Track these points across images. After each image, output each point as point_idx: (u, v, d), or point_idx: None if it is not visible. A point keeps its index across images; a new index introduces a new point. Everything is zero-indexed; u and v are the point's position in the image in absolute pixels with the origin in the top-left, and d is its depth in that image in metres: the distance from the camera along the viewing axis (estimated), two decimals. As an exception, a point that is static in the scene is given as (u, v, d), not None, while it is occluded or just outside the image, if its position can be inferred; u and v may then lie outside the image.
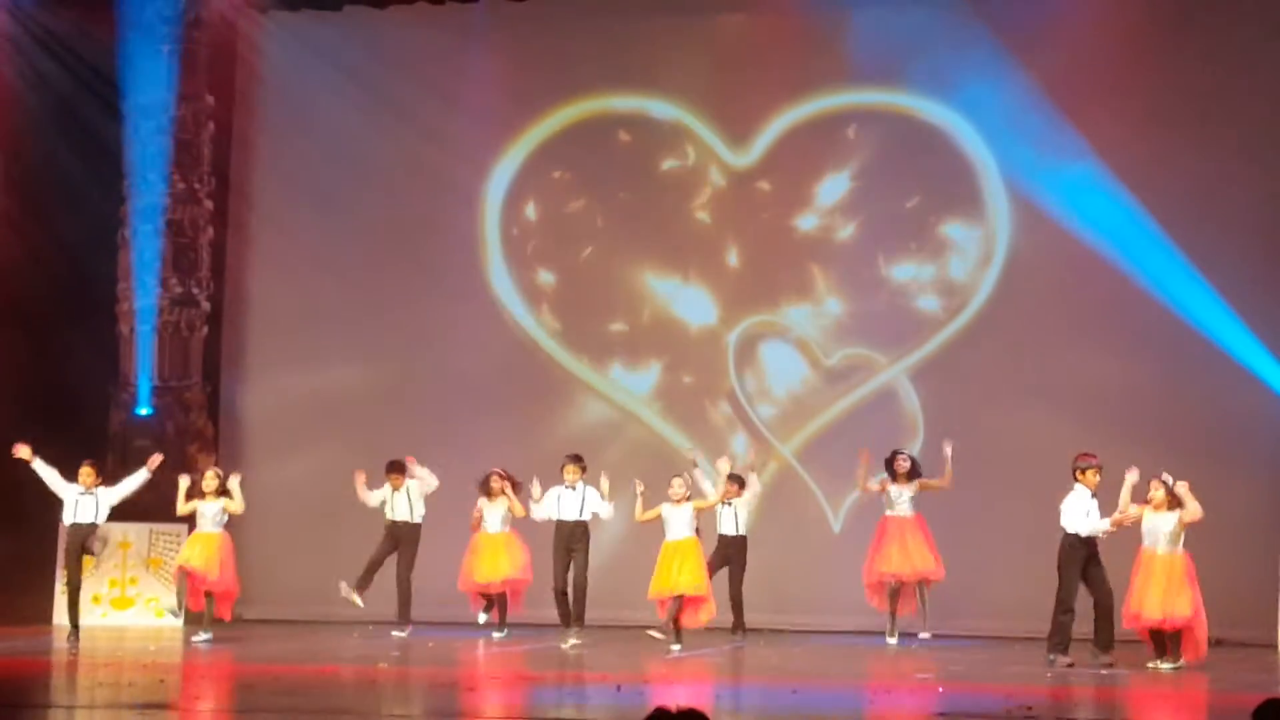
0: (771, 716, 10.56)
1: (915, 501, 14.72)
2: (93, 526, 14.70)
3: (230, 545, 14.85)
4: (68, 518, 14.72)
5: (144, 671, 12.26)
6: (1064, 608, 12.96)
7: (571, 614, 14.41)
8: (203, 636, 14.42)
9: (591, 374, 17.07)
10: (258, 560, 16.72)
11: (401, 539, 15.15)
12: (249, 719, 9.96)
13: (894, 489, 14.74)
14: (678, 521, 14.19)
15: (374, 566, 15.13)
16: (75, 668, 13.03)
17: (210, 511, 14.76)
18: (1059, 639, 12.94)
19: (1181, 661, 12.71)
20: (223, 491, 14.82)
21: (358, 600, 15.04)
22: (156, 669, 12.42)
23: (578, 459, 14.62)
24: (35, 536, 15.60)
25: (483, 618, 15.09)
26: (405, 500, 15.15)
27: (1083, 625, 13.13)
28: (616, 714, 10.15)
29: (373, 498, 15.24)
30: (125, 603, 15.83)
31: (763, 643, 14.60)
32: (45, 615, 15.97)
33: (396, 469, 15.17)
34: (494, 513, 14.98)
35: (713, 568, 14.70)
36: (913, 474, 14.74)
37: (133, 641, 14.59)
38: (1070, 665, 12.81)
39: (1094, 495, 13.00)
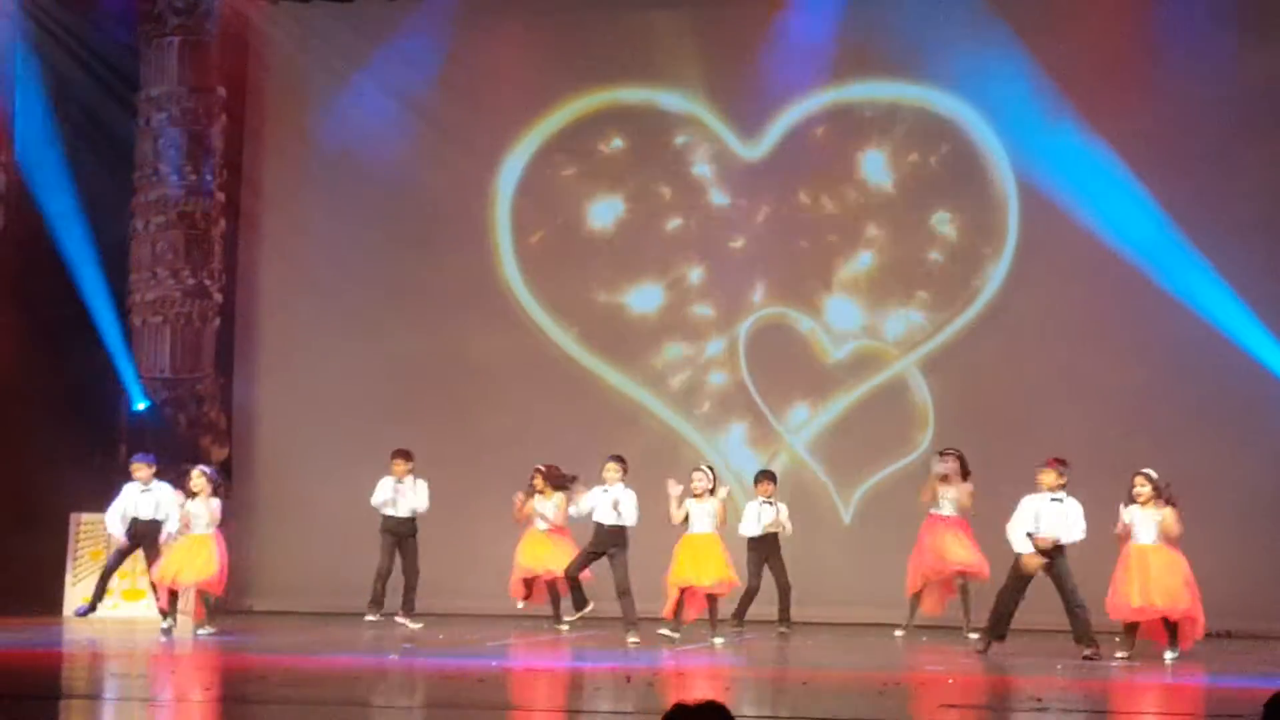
0: (782, 708, 10.56)
1: (957, 504, 14.41)
2: (153, 523, 14.57)
3: (224, 547, 14.45)
4: (129, 513, 14.60)
5: (154, 663, 12.30)
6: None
7: (624, 618, 13.83)
8: (207, 630, 14.29)
9: (603, 367, 17.07)
10: (270, 552, 16.77)
11: (403, 535, 15.00)
12: (262, 710, 9.97)
13: (941, 488, 14.52)
14: (700, 515, 14.01)
15: (397, 583, 15.02)
16: (86, 659, 13.05)
17: (203, 513, 14.38)
18: (986, 623, 13.15)
19: (1179, 650, 12.70)
20: (216, 491, 14.46)
21: (410, 625, 14.82)
22: (167, 661, 12.45)
23: (620, 459, 13.98)
24: (46, 531, 15.64)
25: (520, 605, 15.06)
26: (410, 492, 15.03)
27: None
28: (629, 705, 10.16)
29: (376, 495, 14.98)
30: (136, 594, 15.85)
31: (773, 635, 14.59)
32: (56, 608, 16.01)
33: (402, 455, 14.96)
34: (550, 508, 14.84)
35: (757, 565, 14.53)
36: (963, 473, 14.42)
37: (143, 633, 14.61)
38: (980, 652, 12.90)
39: (1054, 498, 12.89)
